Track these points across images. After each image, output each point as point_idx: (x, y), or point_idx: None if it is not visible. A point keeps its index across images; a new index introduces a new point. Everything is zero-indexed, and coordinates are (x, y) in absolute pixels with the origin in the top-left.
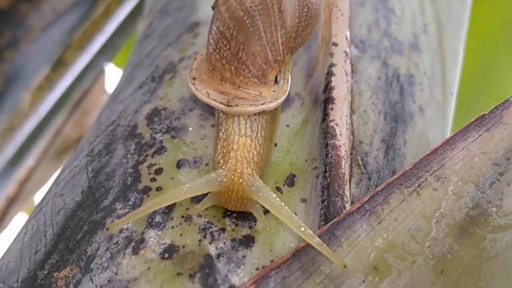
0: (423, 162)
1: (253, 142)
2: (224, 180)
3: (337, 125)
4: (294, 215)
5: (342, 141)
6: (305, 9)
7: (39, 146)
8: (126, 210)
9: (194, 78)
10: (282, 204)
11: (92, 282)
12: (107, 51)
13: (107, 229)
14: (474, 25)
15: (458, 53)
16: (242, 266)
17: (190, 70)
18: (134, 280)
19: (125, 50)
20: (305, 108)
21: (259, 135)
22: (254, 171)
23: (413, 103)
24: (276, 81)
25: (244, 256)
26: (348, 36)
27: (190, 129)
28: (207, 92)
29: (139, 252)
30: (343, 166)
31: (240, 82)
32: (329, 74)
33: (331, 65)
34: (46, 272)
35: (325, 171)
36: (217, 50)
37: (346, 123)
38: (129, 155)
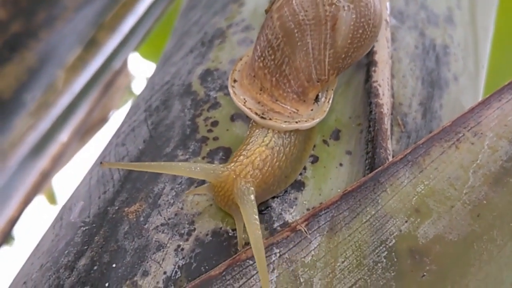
0: (461, 119)
1: (271, 156)
2: (220, 175)
3: (379, 85)
4: (260, 237)
5: (385, 100)
6: (360, 31)
7: (71, 123)
8: (187, 156)
9: (235, 81)
10: (258, 227)
11: (160, 215)
12: (137, 33)
13: (101, 163)
14: (504, 4)
15: (489, 30)
16: (294, 207)
17: (233, 71)
18: (198, 214)
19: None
20: (347, 71)
21: (283, 151)
22: (253, 182)
23: (448, 71)
24: (316, 100)
25: (296, 198)
26: (388, 7)
27: None
28: (244, 99)
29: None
30: (385, 122)
31: (278, 95)
32: None
33: None
34: (116, 207)
35: (369, 126)
36: (262, 58)
37: (388, 84)
38: (186, 110)
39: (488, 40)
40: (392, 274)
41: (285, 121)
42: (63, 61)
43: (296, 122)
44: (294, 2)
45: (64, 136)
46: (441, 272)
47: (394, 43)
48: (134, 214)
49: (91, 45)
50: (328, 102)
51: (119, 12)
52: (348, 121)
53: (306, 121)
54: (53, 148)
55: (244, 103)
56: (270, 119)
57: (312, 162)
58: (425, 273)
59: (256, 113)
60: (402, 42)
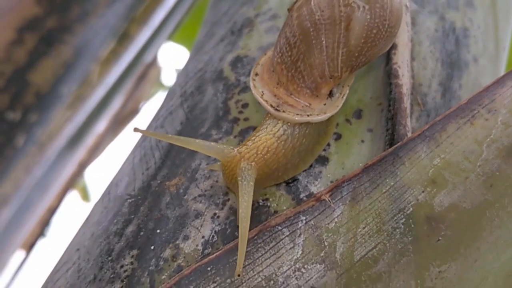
0: (476, 98)
1: (277, 145)
2: (228, 155)
3: (399, 67)
4: (248, 213)
5: (404, 81)
6: (374, 31)
7: (106, 115)
8: (220, 135)
9: (256, 74)
10: (248, 204)
11: (198, 187)
12: (167, 26)
13: (134, 128)
14: None
15: (510, 12)
16: (319, 179)
17: (256, 65)
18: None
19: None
20: None
21: (291, 141)
22: (256, 165)
23: (467, 53)
24: (331, 95)
25: (320, 172)
26: None
27: None
28: (262, 92)
29: None
30: (405, 101)
31: (293, 89)
32: None
33: None
34: (159, 181)
35: (389, 106)
36: (280, 54)
37: (407, 66)
38: (218, 94)
39: (509, 23)
40: (410, 238)
41: (297, 114)
42: (97, 55)
43: (308, 115)
44: (312, 2)
45: (99, 127)
46: (455, 237)
47: (415, 27)
48: (174, 187)
49: (124, 38)
50: (343, 97)
51: (149, 6)
52: (369, 101)
53: (317, 114)
54: (89, 140)
55: (262, 95)
56: (283, 111)
57: (336, 139)
58: (440, 238)
59: (271, 105)
60: (423, 26)
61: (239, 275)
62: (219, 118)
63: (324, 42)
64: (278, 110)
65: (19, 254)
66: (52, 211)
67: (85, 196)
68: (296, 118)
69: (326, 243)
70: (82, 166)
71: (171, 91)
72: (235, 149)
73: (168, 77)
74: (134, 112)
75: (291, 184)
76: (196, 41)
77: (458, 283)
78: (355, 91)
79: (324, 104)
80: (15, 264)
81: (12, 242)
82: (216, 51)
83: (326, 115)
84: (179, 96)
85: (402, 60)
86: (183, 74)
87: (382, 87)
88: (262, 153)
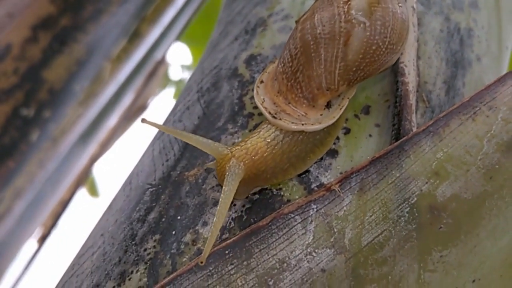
0: (478, 95)
1: (266, 148)
2: (221, 152)
3: (406, 66)
4: (227, 205)
5: (410, 79)
6: (374, 47)
7: (117, 111)
8: (236, 129)
9: (261, 82)
10: (225, 203)
11: (215, 178)
12: (176, 25)
13: (142, 119)
14: None
15: None
16: (329, 171)
17: (263, 73)
18: None
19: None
20: None
21: (281, 147)
22: (244, 165)
23: (471, 52)
24: (328, 106)
25: (330, 164)
26: None
27: None
28: (263, 99)
29: None
30: (410, 98)
31: (291, 98)
32: None
33: None
34: (178, 172)
35: (396, 102)
36: (282, 64)
37: (414, 65)
38: (233, 90)
39: None
40: (413, 226)
41: (293, 122)
42: (109, 53)
43: (302, 124)
44: (316, 17)
45: (110, 123)
46: (456, 225)
47: (421, 27)
48: (193, 177)
49: (135, 37)
50: (341, 109)
51: (159, 5)
52: (377, 98)
53: (312, 124)
54: (101, 135)
55: (262, 102)
56: (280, 119)
57: (345, 134)
58: (442, 226)
59: (269, 113)
60: (428, 26)
61: (202, 262)
62: (234, 113)
63: (322, 55)
64: (275, 118)
65: (32, 245)
66: (64, 204)
67: (93, 191)
68: (292, 127)
69: (335, 230)
70: (94, 161)
71: (188, 87)
72: (228, 148)
73: (175, 73)
74: (142, 108)
75: (303, 175)
76: (211, 39)
77: (458, 266)
78: (363, 88)
79: (321, 115)
80: (28, 255)
81: (25, 234)
82: (231, 49)
83: (321, 125)
84: (195, 92)
85: (408, 59)
86: (198, 71)
87: (389, 85)
88: (251, 155)
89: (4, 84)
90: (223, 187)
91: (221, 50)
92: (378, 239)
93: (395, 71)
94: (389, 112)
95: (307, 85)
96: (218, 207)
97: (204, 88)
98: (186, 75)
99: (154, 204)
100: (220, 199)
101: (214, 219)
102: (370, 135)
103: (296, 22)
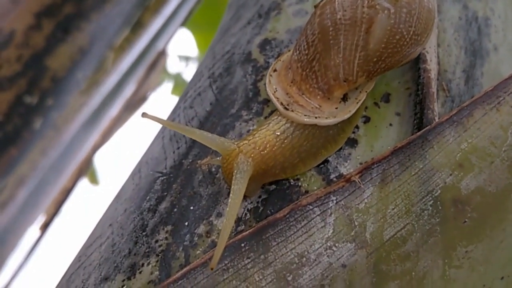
0: (501, 85)
1: (275, 142)
2: (228, 148)
3: (427, 52)
4: (237, 207)
5: (432, 66)
6: (397, 37)
7: (119, 101)
8: (250, 116)
9: (275, 70)
10: (239, 200)
11: None
12: (178, 15)
13: (142, 113)
14: None
15: None
16: (348, 161)
17: (277, 61)
18: None
19: None
20: None
21: (291, 141)
22: (252, 161)
23: (489, 42)
24: (345, 99)
25: (350, 154)
26: None
27: None
28: (275, 88)
29: None
30: (433, 86)
31: (305, 89)
32: None
33: None
34: (190, 160)
35: (417, 90)
36: (298, 52)
37: (435, 51)
38: (247, 75)
39: None
40: (437, 220)
41: (305, 115)
42: (112, 42)
43: (316, 117)
44: (337, 1)
45: (112, 112)
46: (481, 219)
47: (440, 14)
48: (206, 165)
49: (137, 26)
50: (357, 103)
51: None
52: (397, 86)
53: (326, 118)
54: (103, 124)
55: (274, 92)
56: (292, 110)
57: (364, 122)
58: (466, 220)
59: (281, 103)
60: (447, 13)
61: (212, 269)
62: (249, 99)
63: (342, 43)
64: (287, 109)
65: (34, 232)
66: (67, 192)
67: (94, 179)
68: (305, 119)
69: (356, 223)
70: (96, 149)
71: (198, 73)
72: (235, 143)
73: (173, 66)
74: (143, 99)
75: (321, 165)
76: (221, 24)
77: (485, 262)
78: (383, 75)
79: (336, 108)
80: (31, 242)
81: (27, 221)
82: (244, 33)
83: (336, 119)
84: (207, 77)
85: (430, 46)
86: (209, 56)
87: (410, 72)
88: (260, 149)
89: (7, 72)
90: (232, 186)
91: (233, 34)
92: (401, 233)
93: (417, 57)
94: (410, 101)
95: (323, 75)
96: (227, 208)
97: (216, 74)
98: (185, 68)
99: (165, 193)
100: (230, 199)
101: (224, 220)
102: (390, 124)
103: (315, 6)
